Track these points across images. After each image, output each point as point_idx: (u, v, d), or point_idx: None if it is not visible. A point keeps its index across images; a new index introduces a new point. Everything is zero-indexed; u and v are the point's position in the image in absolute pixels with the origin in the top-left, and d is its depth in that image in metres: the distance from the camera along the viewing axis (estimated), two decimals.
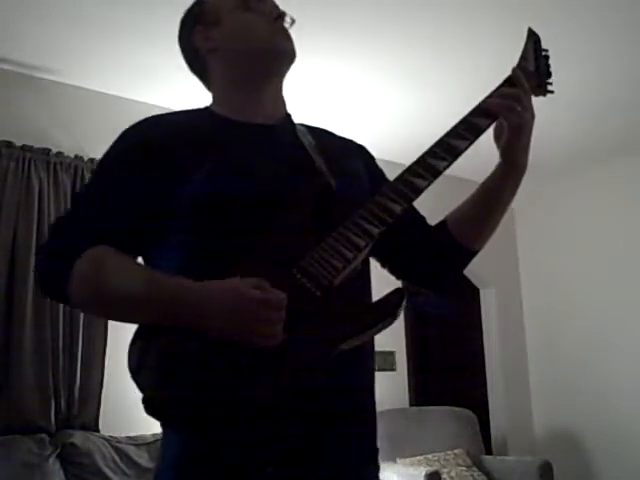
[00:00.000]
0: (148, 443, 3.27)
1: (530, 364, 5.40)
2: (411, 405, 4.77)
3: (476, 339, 5.42)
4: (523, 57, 1.24)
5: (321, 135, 1.27)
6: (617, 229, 4.95)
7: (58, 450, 3.01)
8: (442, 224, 1.27)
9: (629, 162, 4.90)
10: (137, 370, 0.96)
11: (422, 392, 5.10)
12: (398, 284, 1.07)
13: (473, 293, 5.47)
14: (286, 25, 1.23)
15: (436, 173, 1.09)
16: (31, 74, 3.58)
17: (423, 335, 5.44)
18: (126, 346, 0.97)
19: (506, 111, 1.14)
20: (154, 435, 3.25)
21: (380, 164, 1.33)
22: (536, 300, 5.43)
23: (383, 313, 1.00)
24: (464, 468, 4.18)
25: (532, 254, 5.50)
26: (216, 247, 1.05)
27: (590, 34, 3.38)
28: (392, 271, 1.32)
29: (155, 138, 1.13)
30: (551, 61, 1.25)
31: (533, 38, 1.27)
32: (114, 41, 3.30)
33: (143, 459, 3.22)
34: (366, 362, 1.15)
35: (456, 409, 4.61)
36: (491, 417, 5.21)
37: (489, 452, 4.87)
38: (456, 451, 4.28)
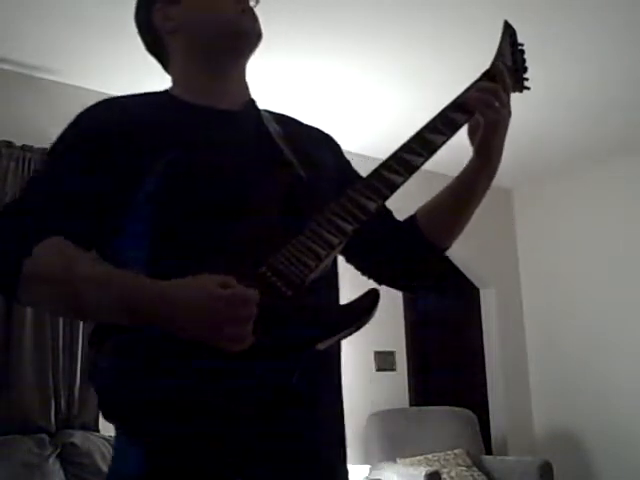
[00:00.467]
0: None
1: (530, 364, 5.39)
2: (411, 405, 4.77)
3: (476, 339, 5.42)
4: (500, 52, 1.19)
5: (287, 123, 1.19)
6: (617, 229, 4.95)
7: (58, 450, 3.00)
8: (411, 219, 1.23)
9: (629, 162, 4.90)
10: (91, 373, 0.94)
11: (422, 392, 5.09)
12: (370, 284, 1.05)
13: (473, 293, 5.47)
14: (251, 4, 1.15)
15: (412, 169, 1.05)
16: (31, 74, 3.58)
17: (423, 335, 5.43)
18: None
19: (484, 107, 1.09)
20: None
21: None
22: (536, 300, 5.42)
23: (358, 314, 0.95)
24: (464, 468, 4.17)
25: (532, 254, 5.50)
26: (179, 246, 0.99)
27: (590, 34, 3.38)
28: (358, 268, 1.27)
29: (111, 124, 1.06)
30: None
31: (509, 31, 1.22)
32: (114, 41, 3.30)
33: None
34: (331, 366, 1.09)
35: (456, 409, 4.61)
36: (491, 417, 5.20)
37: (489, 452, 4.86)
38: (456, 451, 4.27)
